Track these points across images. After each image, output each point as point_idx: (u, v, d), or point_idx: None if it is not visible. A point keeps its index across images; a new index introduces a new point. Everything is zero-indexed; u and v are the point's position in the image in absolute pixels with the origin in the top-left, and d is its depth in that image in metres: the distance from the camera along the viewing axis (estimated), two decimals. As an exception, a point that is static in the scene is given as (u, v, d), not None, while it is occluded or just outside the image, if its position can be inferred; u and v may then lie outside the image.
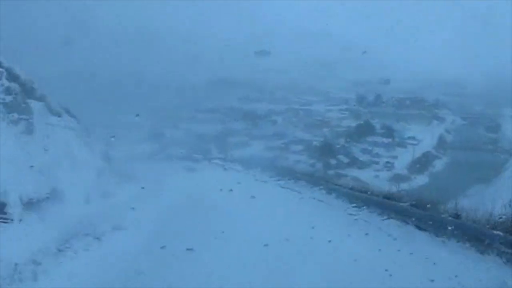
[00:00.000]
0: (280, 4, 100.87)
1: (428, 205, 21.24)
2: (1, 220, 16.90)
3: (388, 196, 24.58)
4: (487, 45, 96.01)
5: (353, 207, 25.25)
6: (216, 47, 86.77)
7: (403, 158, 59.79)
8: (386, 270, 13.41)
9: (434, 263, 13.99)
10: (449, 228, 17.14)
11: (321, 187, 31.52)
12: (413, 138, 64.74)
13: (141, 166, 41.84)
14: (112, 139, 42.92)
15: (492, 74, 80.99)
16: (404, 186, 51.12)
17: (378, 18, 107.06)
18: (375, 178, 53.71)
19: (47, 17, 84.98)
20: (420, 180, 55.07)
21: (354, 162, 58.56)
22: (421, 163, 58.39)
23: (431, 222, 18.35)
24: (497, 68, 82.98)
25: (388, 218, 21.78)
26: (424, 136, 64.93)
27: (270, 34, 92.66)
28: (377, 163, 59.15)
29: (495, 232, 15.41)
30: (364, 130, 65.17)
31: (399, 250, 15.36)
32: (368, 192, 26.97)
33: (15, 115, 21.76)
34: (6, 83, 22.34)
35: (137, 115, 57.26)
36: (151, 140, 65.35)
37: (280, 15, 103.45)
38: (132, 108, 72.37)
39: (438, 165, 59.93)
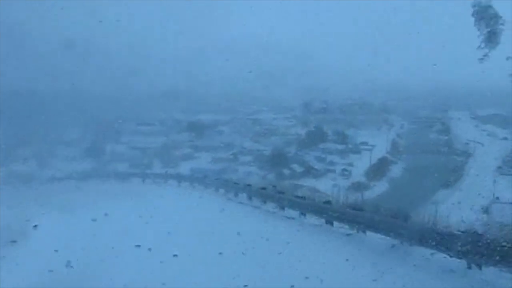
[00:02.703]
0: (223, 15, 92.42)
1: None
2: None
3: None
4: (426, 49, 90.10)
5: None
6: (158, 59, 78.08)
7: (359, 165, 52.45)
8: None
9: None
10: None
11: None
12: (366, 143, 57.47)
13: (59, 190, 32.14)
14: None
15: (433, 79, 75.32)
16: (366, 194, 43.85)
17: (320, 25, 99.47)
18: (333, 187, 45.48)
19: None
20: (381, 187, 47.90)
21: (309, 171, 50.73)
22: (379, 170, 50.82)
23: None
24: (437, 72, 77.63)
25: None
26: (376, 141, 57.86)
27: (213, 45, 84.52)
28: (333, 171, 51.50)
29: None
30: (315, 137, 57.48)
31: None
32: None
33: None
34: None
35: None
36: (89, 156, 55.79)
37: (223, 26, 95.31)
38: (71, 123, 64.01)
39: (396, 170, 52.71)
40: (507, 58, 15.73)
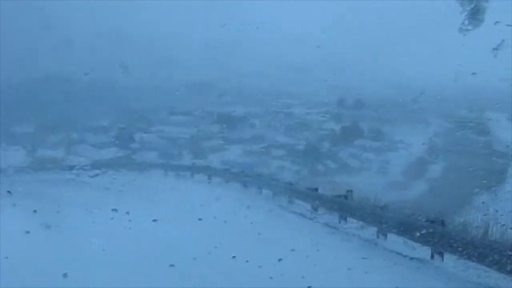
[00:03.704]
0: (257, 6, 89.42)
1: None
2: None
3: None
4: (459, 50, 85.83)
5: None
6: (191, 50, 76.21)
7: (396, 163, 49.78)
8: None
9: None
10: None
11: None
12: (402, 142, 54.53)
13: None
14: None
15: (466, 79, 71.13)
16: (403, 194, 41.07)
17: (350, 21, 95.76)
18: (369, 186, 42.71)
19: (20, 18, 74.10)
20: (419, 188, 44.69)
21: (344, 168, 48.09)
22: (416, 169, 47.83)
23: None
24: (469, 73, 73.31)
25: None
26: (413, 140, 54.86)
27: (246, 37, 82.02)
28: (368, 169, 48.48)
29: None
30: (350, 133, 54.73)
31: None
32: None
33: None
34: None
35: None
36: (117, 144, 54.13)
37: (256, 18, 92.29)
38: (101, 111, 62.99)
39: (435, 171, 49.71)
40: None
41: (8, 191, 18.49)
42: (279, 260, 11.47)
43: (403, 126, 59.43)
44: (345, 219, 17.96)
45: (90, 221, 16.24)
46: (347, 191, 19.68)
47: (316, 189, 21.47)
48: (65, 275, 9.88)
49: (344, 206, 18.37)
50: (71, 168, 42.82)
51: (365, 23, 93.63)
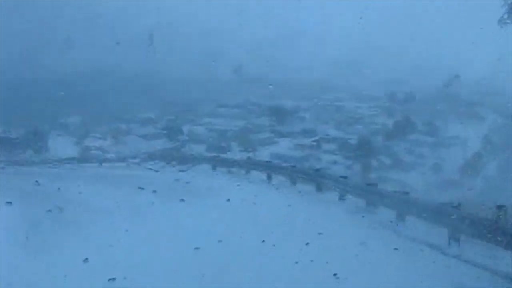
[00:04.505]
0: (303, 2, 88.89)
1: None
2: None
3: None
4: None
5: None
6: (237, 44, 75.94)
7: (451, 160, 47.45)
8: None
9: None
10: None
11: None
12: (457, 137, 52.16)
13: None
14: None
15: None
16: (460, 193, 38.87)
17: (399, 16, 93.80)
18: (424, 184, 40.83)
19: (70, 15, 75.25)
20: (477, 186, 42.20)
21: (398, 164, 46.08)
22: (473, 166, 45.44)
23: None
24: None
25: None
26: (468, 136, 52.61)
27: (292, 33, 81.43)
28: (423, 165, 46.63)
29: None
30: (403, 128, 52.60)
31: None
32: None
33: None
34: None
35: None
36: (165, 136, 53.60)
37: (303, 13, 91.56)
38: (151, 103, 62.95)
39: (492, 168, 47.26)
40: None
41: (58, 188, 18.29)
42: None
43: (457, 121, 57.11)
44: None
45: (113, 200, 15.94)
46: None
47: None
48: (86, 260, 9.71)
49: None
50: (117, 158, 42.29)
51: (407, 16, 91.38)
